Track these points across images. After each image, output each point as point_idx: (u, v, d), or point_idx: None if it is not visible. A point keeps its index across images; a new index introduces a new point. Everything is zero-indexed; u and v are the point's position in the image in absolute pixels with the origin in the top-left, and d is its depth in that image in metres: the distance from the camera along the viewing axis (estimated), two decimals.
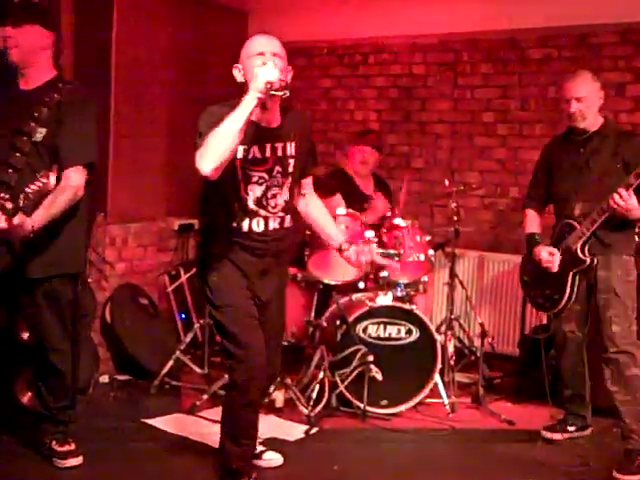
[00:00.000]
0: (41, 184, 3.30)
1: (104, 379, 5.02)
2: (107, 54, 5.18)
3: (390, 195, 5.81)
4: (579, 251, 4.06)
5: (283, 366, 4.52)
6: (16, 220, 3.30)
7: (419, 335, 4.73)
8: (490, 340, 5.35)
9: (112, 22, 5.15)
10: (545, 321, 5.08)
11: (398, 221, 5.07)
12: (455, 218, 5.10)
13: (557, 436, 4.34)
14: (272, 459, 3.86)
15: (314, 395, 4.57)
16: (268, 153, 3.37)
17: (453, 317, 5.20)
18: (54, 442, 3.75)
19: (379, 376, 4.49)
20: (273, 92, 3.12)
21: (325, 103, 6.74)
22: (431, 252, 5.09)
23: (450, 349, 5.02)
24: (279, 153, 3.40)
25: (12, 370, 4.14)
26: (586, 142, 4.11)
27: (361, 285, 5.01)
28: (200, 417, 4.47)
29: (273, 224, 3.45)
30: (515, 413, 4.75)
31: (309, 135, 3.62)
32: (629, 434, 3.95)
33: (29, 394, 4.22)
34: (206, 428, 4.24)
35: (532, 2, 5.57)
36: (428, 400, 4.80)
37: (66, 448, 3.74)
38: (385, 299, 4.78)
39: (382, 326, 4.71)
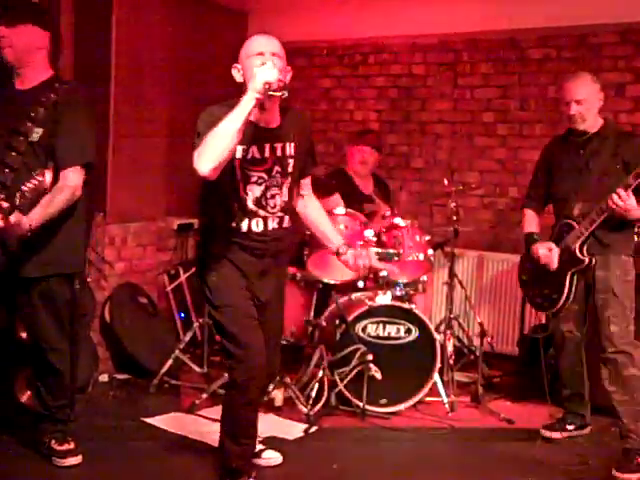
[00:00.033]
0: (37, 182, 3.30)
1: (103, 378, 5.02)
2: (107, 54, 5.18)
3: (389, 195, 5.82)
4: (577, 251, 4.06)
5: (282, 365, 4.52)
6: (12, 219, 3.29)
7: (418, 334, 4.73)
8: (489, 339, 5.36)
9: (112, 22, 5.15)
10: (544, 320, 5.08)
11: (397, 221, 5.08)
12: (454, 218, 5.10)
13: (556, 435, 4.34)
14: (271, 458, 3.86)
15: (313, 394, 4.58)
16: (267, 153, 3.37)
17: (452, 316, 5.20)
18: (53, 441, 3.75)
19: (378, 375, 4.50)
20: (271, 93, 3.12)
21: (325, 103, 6.74)
22: (430, 252, 5.09)
23: (449, 348, 5.02)
24: (278, 153, 3.39)
25: (12, 369, 4.14)
26: (586, 143, 4.11)
27: (360, 284, 5.02)
28: (199, 416, 4.47)
29: (272, 224, 3.44)
30: (514, 412, 4.75)
31: (309, 135, 3.61)
32: (627, 433, 3.95)
33: (28, 393, 4.22)
34: (205, 427, 4.24)
35: (532, 2, 5.57)
36: (427, 399, 4.80)
37: (65, 447, 3.74)
38: (384, 298, 4.78)
39: (381, 325, 4.71)
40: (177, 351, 5.03)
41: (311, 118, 6.33)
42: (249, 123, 3.23)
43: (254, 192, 3.38)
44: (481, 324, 5.20)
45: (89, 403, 4.51)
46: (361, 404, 4.53)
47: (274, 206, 3.43)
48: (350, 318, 4.63)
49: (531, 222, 4.38)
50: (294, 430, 4.32)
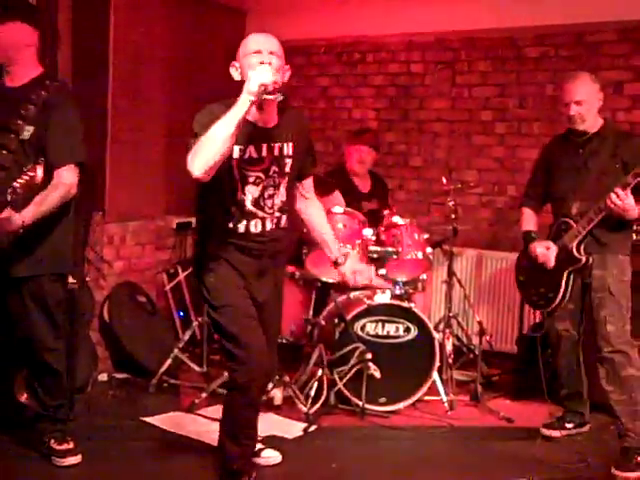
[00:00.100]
0: (28, 177, 3.28)
1: (102, 377, 5.01)
2: (105, 52, 5.18)
3: (387, 193, 5.82)
4: (575, 250, 4.06)
5: (281, 364, 4.53)
6: (4, 214, 3.29)
7: (417, 333, 4.73)
8: (488, 338, 5.36)
9: (110, 20, 5.15)
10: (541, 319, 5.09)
11: (396, 219, 5.08)
12: (453, 216, 5.09)
13: (555, 433, 4.35)
14: (271, 457, 3.86)
15: (312, 393, 4.58)
16: (264, 153, 3.35)
17: (451, 315, 5.20)
18: (53, 441, 3.75)
19: (377, 374, 4.50)
20: (266, 96, 3.10)
21: (323, 101, 6.74)
22: (429, 250, 5.09)
23: (448, 347, 5.02)
24: (276, 153, 3.38)
25: (11, 369, 4.13)
26: (585, 143, 4.11)
27: None
28: (199, 415, 4.47)
29: (270, 225, 3.43)
30: (514, 410, 4.76)
31: (307, 135, 3.59)
32: (626, 432, 3.95)
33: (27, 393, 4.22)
34: (205, 426, 4.24)
35: (530, 0, 5.57)
36: (427, 398, 4.80)
37: (65, 447, 3.74)
38: (383, 297, 4.78)
39: (380, 324, 4.71)
40: (176, 350, 5.02)
41: (309, 117, 6.34)
42: (247, 122, 3.22)
43: (252, 193, 3.37)
44: (480, 323, 5.21)
45: (88, 402, 4.50)
46: (360, 403, 4.54)
47: (272, 206, 3.42)
48: (349, 317, 4.63)
49: (529, 220, 4.38)
50: (293, 429, 4.32)
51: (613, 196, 3.81)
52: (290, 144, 3.41)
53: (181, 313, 5.86)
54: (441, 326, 5.16)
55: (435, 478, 3.91)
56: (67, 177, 3.56)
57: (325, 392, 4.58)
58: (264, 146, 3.34)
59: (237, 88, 3.19)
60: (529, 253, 4.28)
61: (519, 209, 4.48)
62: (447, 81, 6.23)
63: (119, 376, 5.08)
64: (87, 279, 4.96)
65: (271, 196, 3.40)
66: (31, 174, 3.30)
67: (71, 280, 4.21)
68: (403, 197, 6.33)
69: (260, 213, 3.39)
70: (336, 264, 3.64)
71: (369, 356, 4.49)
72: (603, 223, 3.97)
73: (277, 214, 3.44)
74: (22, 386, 4.20)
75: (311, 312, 4.97)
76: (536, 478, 3.79)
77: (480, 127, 6.12)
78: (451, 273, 5.18)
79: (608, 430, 4.33)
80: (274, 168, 3.38)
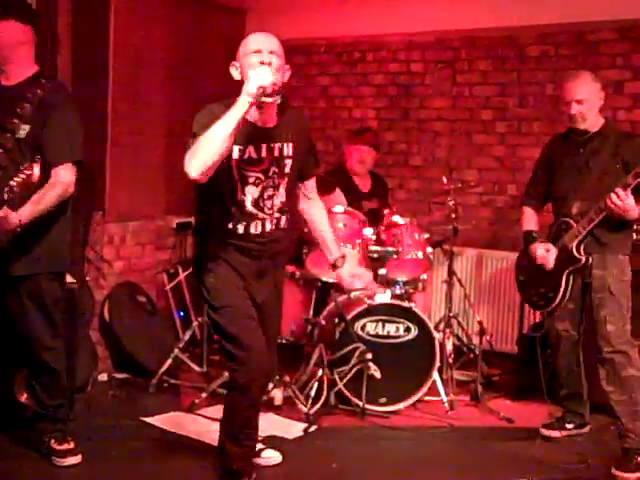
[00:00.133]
0: (25, 176, 3.28)
1: (103, 377, 5.02)
2: (105, 53, 5.18)
3: (387, 193, 5.82)
4: (574, 250, 4.06)
5: (282, 364, 4.53)
6: (1, 213, 3.29)
7: (418, 333, 4.73)
8: (489, 338, 5.37)
9: (110, 21, 5.15)
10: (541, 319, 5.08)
11: (396, 219, 5.07)
12: (453, 216, 5.10)
13: (556, 434, 4.34)
14: (271, 457, 3.86)
15: (313, 393, 4.58)
16: (264, 153, 3.34)
17: (451, 315, 5.20)
18: (53, 441, 3.75)
19: (378, 374, 4.50)
20: (264, 99, 3.09)
21: (323, 101, 6.73)
22: (429, 250, 5.10)
23: (449, 347, 5.01)
24: (275, 153, 3.36)
25: (11, 368, 4.13)
26: (586, 142, 4.11)
27: None
28: (199, 415, 4.47)
29: (270, 226, 3.42)
30: (514, 411, 4.75)
31: (307, 135, 3.58)
32: (626, 433, 3.95)
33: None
34: (205, 426, 4.24)
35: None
36: (427, 398, 4.80)
37: (65, 447, 3.74)
38: (384, 297, 4.78)
39: (381, 324, 4.71)
40: (176, 350, 5.02)
41: (309, 116, 6.34)
42: (247, 122, 3.21)
43: (252, 193, 3.35)
44: (480, 322, 5.20)
45: (88, 402, 4.51)
46: (360, 403, 4.53)
47: (271, 207, 3.41)
48: (349, 317, 4.63)
49: (530, 220, 4.38)
50: (294, 429, 4.32)
51: (613, 196, 3.81)
52: (290, 144, 3.39)
53: (181, 313, 5.86)
54: (441, 326, 5.16)
55: (435, 478, 3.91)
56: (64, 176, 3.55)
57: (325, 392, 4.58)
58: (264, 146, 3.33)
59: (237, 88, 3.17)
60: (529, 253, 4.27)
61: (520, 208, 4.48)
62: (447, 80, 6.23)
63: (119, 376, 5.09)
64: (87, 279, 4.97)
65: (271, 197, 3.39)
66: (28, 172, 3.30)
67: (71, 280, 4.23)
68: (403, 196, 6.33)
69: (260, 214, 3.38)
70: (334, 266, 3.63)
71: (369, 356, 4.49)
72: (603, 223, 3.97)
73: (277, 215, 3.43)
74: (22, 386, 4.20)
75: (311, 312, 4.96)
76: (536, 478, 3.79)
77: (480, 126, 6.12)
78: (451, 273, 5.18)
79: (608, 431, 4.32)
80: (274, 169, 3.37)
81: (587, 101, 4.02)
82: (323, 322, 4.80)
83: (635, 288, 4.13)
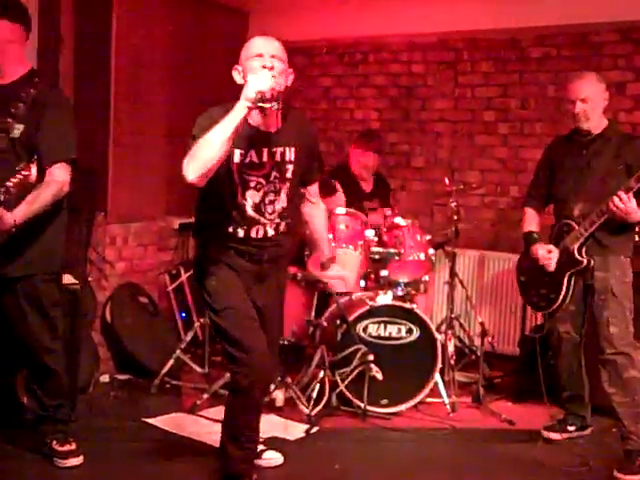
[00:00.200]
0: (22, 176, 3.26)
1: (104, 378, 5.02)
2: (107, 54, 5.17)
3: (389, 193, 5.82)
4: (576, 252, 4.06)
5: (283, 365, 4.54)
6: None
7: (419, 334, 4.73)
8: (490, 339, 5.36)
9: (112, 22, 5.15)
10: (542, 321, 5.08)
11: (398, 220, 5.08)
12: (455, 217, 5.09)
13: (557, 436, 4.34)
14: (272, 458, 3.85)
15: (314, 394, 4.57)
16: (265, 158, 3.32)
17: (453, 316, 5.20)
18: (55, 442, 3.75)
19: (379, 375, 4.49)
20: (261, 104, 3.07)
21: (325, 102, 6.74)
22: (431, 251, 5.10)
23: (450, 348, 5.01)
24: (277, 158, 3.35)
25: (12, 369, 4.13)
26: (589, 144, 4.10)
27: (361, 284, 5.02)
28: (200, 416, 4.47)
29: (270, 230, 3.41)
30: (515, 413, 4.75)
31: (312, 140, 3.56)
32: (628, 435, 3.95)
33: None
34: (206, 427, 4.24)
35: (532, 1, 5.56)
36: (428, 399, 4.80)
37: (67, 448, 3.74)
38: (385, 298, 4.78)
39: (382, 325, 4.71)
40: (178, 351, 5.02)
41: (311, 117, 6.34)
42: (249, 126, 3.21)
43: (253, 198, 3.35)
44: (482, 324, 5.20)
45: (90, 403, 4.50)
46: (362, 405, 4.53)
47: (272, 212, 3.40)
48: (351, 318, 4.63)
49: (531, 221, 4.38)
50: (295, 431, 4.32)
51: (616, 199, 3.80)
52: (292, 149, 3.38)
53: (183, 314, 5.86)
54: (443, 327, 5.16)
55: None
56: (59, 175, 3.53)
57: (327, 394, 4.58)
58: (265, 151, 3.32)
59: (239, 90, 3.18)
60: (531, 254, 4.27)
61: (521, 209, 4.48)
62: (449, 81, 6.23)
63: (121, 377, 5.08)
64: (89, 280, 4.97)
65: (272, 202, 3.38)
66: (25, 173, 3.28)
67: (73, 280, 4.23)
68: (405, 198, 6.33)
69: (261, 219, 3.38)
70: (323, 266, 3.67)
71: (371, 357, 4.49)
72: (605, 225, 3.96)
73: (277, 220, 3.42)
74: (24, 386, 4.20)
75: (313, 313, 4.96)
76: None
77: (483, 128, 6.12)
78: (453, 274, 5.18)
79: (610, 433, 4.32)
80: (275, 173, 3.36)
81: (591, 100, 4.02)
82: (325, 323, 4.80)
83: (637, 290, 4.13)
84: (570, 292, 4.14)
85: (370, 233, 4.96)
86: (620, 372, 3.95)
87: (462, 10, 5.83)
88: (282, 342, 4.63)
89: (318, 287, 3.73)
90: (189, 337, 5.15)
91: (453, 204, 5.10)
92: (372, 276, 5.05)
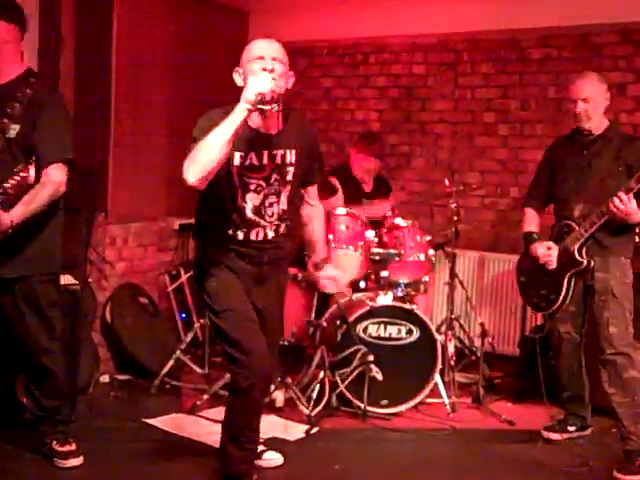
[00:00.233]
0: (20, 178, 3.25)
1: (104, 379, 5.02)
2: (108, 54, 5.18)
3: (389, 194, 5.82)
4: (576, 253, 4.06)
5: (284, 366, 4.53)
6: None
7: (419, 335, 4.73)
8: (490, 340, 5.36)
9: (113, 22, 5.15)
10: (542, 321, 5.08)
11: (398, 221, 5.08)
12: (455, 218, 5.10)
13: (557, 436, 4.34)
14: (272, 459, 3.85)
15: (314, 395, 4.57)
16: (265, 160, 3.31)
17: (453, 317, 5.20)
18: (55, 442, 3.75)
19: (379, 376, 4.49)
20: (260, 106, 3.05)
21: (326, 103, 6.74)
22: (431, 252, 5.10)
23: (450, 349, 5.02)
24: (277, 160, 3.34)
25: (13, 369, 4.13)
26: (590, 144, 4.11)
27: (362, 285, 5.02)
28: (200, 417, 4.47)
29: (270, 233, 3.41)
30: (515, 413, 4.75)
31: (313, 142, 3.55)
32: (628, 435, 3.95)
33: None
34: (206, 428, 4.24)
35: (532, 2, 5.56)
36: (428, 400, 4.80)
37: (67, 448, 3.74)
38: (385, 299, 4.78)
39: (382, 326, 4.71)
40: (178, 352, 5.02)
41: (312, 118, 6.35)
42: (249, 129, 3.20)
43: (253, 201, 3.34)
44: (482, 325, 5.19)
45: (90, 404, 4.50)
46: (362, 405, 4.53)
47: (272, 215, 3.39)
48: (351, 319, 4.63)
49: (531, 221, 4.38)
50: (295, 431, 4.32)
51: (616, 200, 3.80)
52: (293, 151, 3.37)
53: (183, 315, 5.86)
54: (443, 328, 5.16)
55: None
56: (55, 175, 3.53)
57: (327, 394, 4.58)
58: (265, 153, 3.31)
59: (240, 90, 3.17)
60: (530, 254, 4.27)
61: (521, 209, 4.48)
62: (450, 83, 6.23)
63: (121, 377, 5.08)
64: (89, 280, 4.96)
65: (272, 204, 3.38)
66: (23, 175, 3.27)
67: (73, 281, 4.22)
68: (405, 199, 6.33)
69: (261, 222, 3.37)
70: (315, 267, 3.67)
71: (371, 358, 4.49)
72: (605, 226, 3.97)
73: (277, 222, 3.42)
74: (22, 388, 4.20)
75: (313, 314, 4.96)
76: None
77: (483, 129, 6.12)
78: (453, 275, 5.18)
79: (610, 433, 4.32)
80: (275, 176, 3.35)
81: (593, 100, 4.03)
82: (325, 324, 4.80)
83: (637, 291, 4.14)
84: (570, 293, 4.14)
85: (370, 234, 4.96)
86: (620, 372, 3.95)
87: (462, 11, 5.84)
88: (282, 343, 4.63)
89: (318, 288, 3.74)
90: (189, 338, 5.16)
91: (453, 205, 5.10)
92: (372, 277, 5.05)
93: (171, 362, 4.96)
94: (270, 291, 3.54)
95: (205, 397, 4.61)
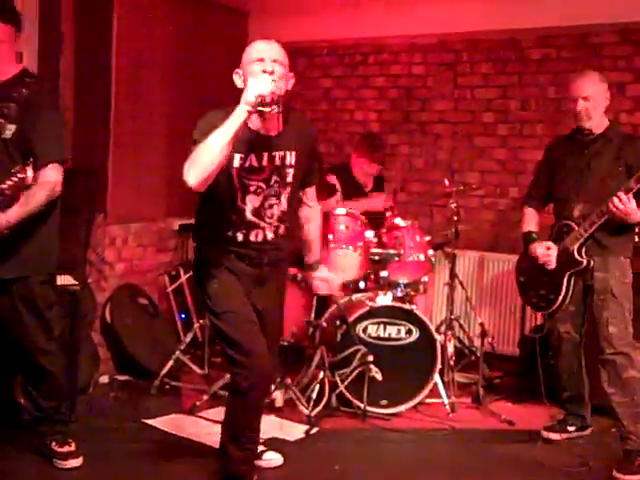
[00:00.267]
0: (17, 179, 3.25)
1: (104, 379, 5.02)
2: (108, 54, 5.18)
3: (383, 184, 5.81)
4: (576, 252, 4.06)
5: (283, 366, 4.53)
6: None
7: (419, 335, 4.73)
8: (490, 340, 5.36)
9: (112, 22, 5.15)
10: (542, 321, 5.08)
11: (398, 221, 5.08)
12: (455, 218, 5.10)
13: (557, 436, 4.34)
14: (272, 459, 3.85)
15: (314, 395, 4.57)
16: (265, 162, 3.31)
17: (453, 317, 5.20)
18: (54, 443, 3.75)
19: (379, 376, 4.50)
20: (261, 108, 3.05)
21: (325, 103, 6.74)
22: (431, 252, 5.10)
23: (450, 349, 5.02)
24: (277, 162, 3.34)
25: (11, 370, 4.13)
26: (590, 144, 4.11)
27: (361, 285, 5.01)
28: (200, 417, 4.46)
29: (270, 234, 3.41)
30: (515, 413, 4.75)
31: (313, 143, 3.54)
32: (627, 435, 3.95)
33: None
34: (206, 428, 4.24)
35: (532, 2, 5.56)
36: (428, 400, 4.80)
37: (66, 449, 3.73)
38: (385, 299, 4.78)
39: (382, 326, 4.71)
40: (178, 352, 5.02)
41: (311, 118, 6.35)
42: (249, 130, 3.20)
43: (253, 202, 3.34)
44: (482, 325, 5.20)
45: (90, 404, 4.51)
46: (362, 405, 4.54)
47: (271, 216, 3.39)
48: (351, 319, 4.63)
49: (531, 221, 4.38)
50: (295, 431, 4.32)
51: (616, 200, 3.80)
52: (293, 153, 3.36)
53: (183, 315, 5.86)
54: (443, 328, 5.16)
55: None
56: (52, 175, 3.52)
57: (327, 394, 4.58)
58: (265, 155, 3.30)
59: (239, 91, 3.17)
60: (530, 254, 4.27)
61: (521, 209, 4.48)
62: (449, 83, 6.23)
63: (121, 378, 5.08)
64: (89, 281, 4.96)
65: (272, 206, 3.38)
66: (21, 176, 3.26)
67: (73, 281, 4.22)
68: (405, 199, 6.33)
69: (261, 223, 3.37)
70: (309, 268, 3.69)
71: (371, 358, 4.49)
72: (605, 226, 3.97)
73: (276, 224, 3.41)
74: (21, 387, 4.20)
75: (313, 314, 4.96)
76: None
77: (482, 129, 6.12)
78: (453, 275, 5.18)
79: (610, 433, 4.32)
80: (275, 178, 3.35)
81: (593, 99, 4.03)
82: (324, 324, 4.80)
83: (637, 290, 4.13)
84: (570, 292, 4.14)
85: (370, 234, 4.96)
86: (619, 372, 3.95)
87: (462, 11, 5.83)
88: (282, 343, 4.63)
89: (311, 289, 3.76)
90: (189, 338, 5.16)
91: (453, 205, 5.10)
92: (372, 277, 5.05)
93: (171, 362, 4.96)
94: (270, 292, 3.54)
95: (205, 397, 4.61)
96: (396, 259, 4.96)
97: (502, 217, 6.02)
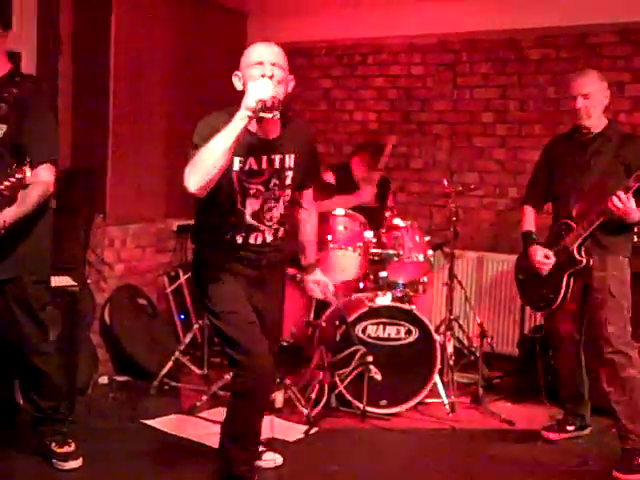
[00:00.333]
0: (15, 180, 3.23)
1: (103, 380, 5.02)
2: (106, 54, 5.18)
3: (388, 194, 5.81)
4: (575, 252, 4.06)
5: (283, 366, 4.53)
6: None
7: (418, 335, 4.73)
8: (489, 340, 5.35)
9: (111, 22, 5.16)
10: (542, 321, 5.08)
11: (397, 221, 5.08)
12: (454, 218, 5.09)
13: (556, 436, 4.34)
14: (272, 459, 3.85)
15: (314, 395, 4.58)
16: (264, 165, 3.30)
17: (452, 317, 5.19)
18: (54, 443, 3.74)
19: (378, 376, 4.48)
20: (262, 114, 3.03)
21: (324, 104, 6.73)
22: (430, 252, 5.09)
23: (449, 349, 5.02)
24: (276, 165, 3.33)
25: (11, 370, 4.13)
26: (589, 143, 4.11)
27: (361, 285, 5.01)
28: (199, 418, 4.47)
29: (269, 237, 3.41)
30: (515, 413, 4.75)
31: (311, 147, 3.54)
32: (626, 434, 3.95)
33: None
34: (205, 429, 4.24)
35: (531, 2, 5.56)
36: (427, 400, 4.80)
37: (66, 449, 3.73)
38: (384, 299, 4.78)
39: (381, 326, 4.71)
40: (177, 353, 5.02)
41: (310, 119, 6.36)
42: (248, 133, 3.18)
43: (252, 205, 3.33)
44: (481, 325, 5.20)
45: (89, 405, 4.51)
46: (361, 405, 4.53)
47: (270, 219, 3.39)
48: (350, 319, 4.63)
49: (530, 220, 4.37)
50: (294, 431, 4.32)
51: (615, 199, 3.80)
52: (292, 156, 3.36)
53: (182, 316, 5.86)
54: (442, 328, 5.16)
55: None
56: (44, 175, 3.52)
57: (326, 394, 4.58)
58: (264, 158, 3.30)
59: (239, 93, 3.15)
60: (528, 254, 4.27)
61: (520, 208, 4.48)
62: (448, 83, 6.23)
63: (120, 378, 5.08)
64: (88, 281, 4.97)
65: (271, 209, 3.37)
66: (19, 176, 3.24)
67: (72, 282, 4.22)
68: (404, 199, 6.33)
69: (260, 226, 3.37)
70: (305, 271, 3.68)
71: (370, 358, 4.48)
72: (604, 225, 3.96)
73: (275, 226, 3.42)
74: (20, 388, 4.20)
75: (312, 314, 4.97)
76: None
77: (481, 129, 6.12)
78: (452, 275, 5.18)
79: (609, 433, 4.31)
80: (274, 181, 3.34)
81: (593, 97, 4.03)
82: (324, 324, 4.80)
83: (635, 290, 4.13)
84: (569, 292, 4.14)
85: (369, 234, 4.96)
86: (618, 371, 3.95)
87: (461, 12, 5.83)
88: (281, 343, 4.63)
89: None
90: (188, 339, 5.15)
91: (452, 205, 5.10)
92: (371, 277, 5.05)
93: (170, 363, 4.96)
94: (269, 293, 3.54)
95: (204, 398, 4.61)
96: (395, 259, 4.96)
97: (501, 217, 6.02)
